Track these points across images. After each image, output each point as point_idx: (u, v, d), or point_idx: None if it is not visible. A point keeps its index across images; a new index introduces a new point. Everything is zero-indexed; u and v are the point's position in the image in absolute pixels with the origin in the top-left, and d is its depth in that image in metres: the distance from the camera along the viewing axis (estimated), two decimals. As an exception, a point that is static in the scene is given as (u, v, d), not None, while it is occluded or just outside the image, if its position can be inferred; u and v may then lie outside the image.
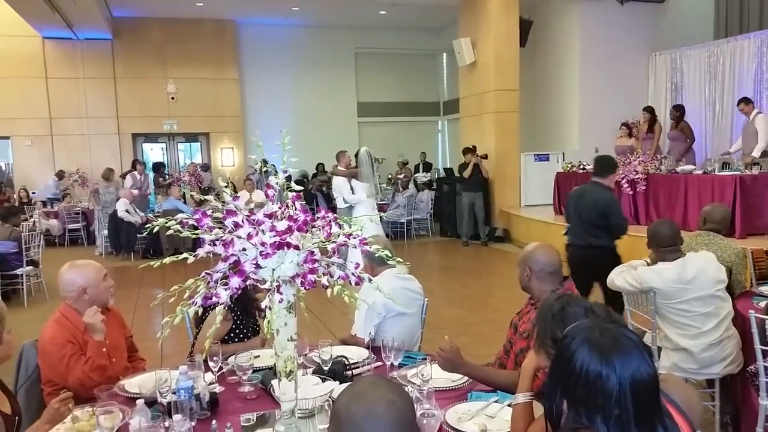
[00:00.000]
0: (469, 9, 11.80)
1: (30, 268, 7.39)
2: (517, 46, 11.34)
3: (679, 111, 9.48)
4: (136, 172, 11.70)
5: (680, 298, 3.23)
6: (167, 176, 12.41)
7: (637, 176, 8.13)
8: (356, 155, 8.34)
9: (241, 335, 3.01)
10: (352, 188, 7.80)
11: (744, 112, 8.42)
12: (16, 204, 11.00)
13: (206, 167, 13.91)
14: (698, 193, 7.33)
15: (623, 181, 8.26)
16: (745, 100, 8.46)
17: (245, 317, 3.03)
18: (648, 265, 3.51)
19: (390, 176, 13.83)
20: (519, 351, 2.50)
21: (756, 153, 7.87)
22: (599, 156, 5.39)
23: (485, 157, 10.88)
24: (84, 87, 13.36)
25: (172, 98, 13.84)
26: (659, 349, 3.39)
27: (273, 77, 14.44)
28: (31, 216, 10.10)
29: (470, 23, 11.76)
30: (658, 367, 1.41)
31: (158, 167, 13.12)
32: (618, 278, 3.55)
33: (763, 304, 3.22)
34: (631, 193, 8.24)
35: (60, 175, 12.98)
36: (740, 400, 3.33)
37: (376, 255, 2.14)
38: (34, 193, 12.52)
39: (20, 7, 10.85)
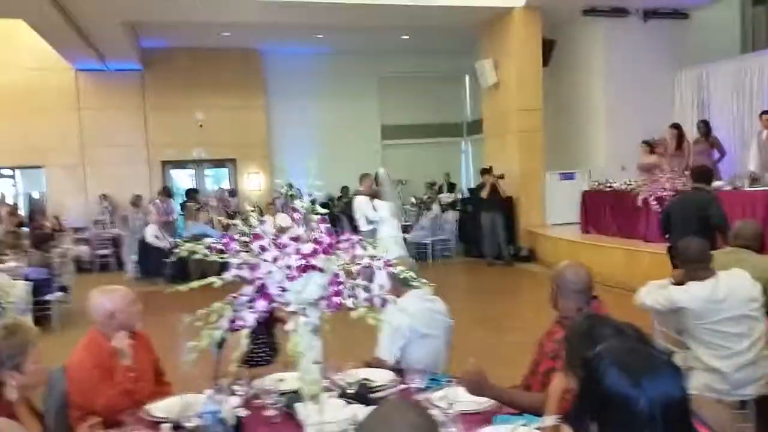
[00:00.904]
0: (490, 31, 11.85)
1: (60, 293, 7.52)
2: (539, 65, 11.34)
3: (706, 125, 9.36)
4: (157, 200, 11.85)
5: (712, 318, 3.15)
6: (197, 201, 12.52)
7: (665, 193, 8.00)
8: (375, 177, 8.34)
9: (262, 353, 3.01)
10: (374, 207, 7.79)
11: (766, 125, 8.29)
12: (49, 231, 11.24)
13: (233, 192, 14.06)
14: (728, 209, 7.17)
15: (651, 199, 8.15)
16: None
17: (265, 336, 3.04)
18: (673, 284, 3.44)
19: (414, 199, 13.83)
20: (545, 371, 2.46)
21: None
22: (697, 167, 6.38)
23: (502, 177, 10.84)
24: (115, 117, 13.70)
25: (201, 126, 14.09)
26: (690, 369, 3.30)
27: (298, 103, 14.62)
28: (62, 243, 10.31)
29: (492, 45, 11.81)
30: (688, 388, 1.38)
31: (190, 193, 13.31)
32: (647, 298, 3.48)
33: (798, 322, 3.13)
34: (659, 210, 8.10)
35: (104, 197, 13.24)
36: (777, 421, 3.23)
37: (401, 276, 2.14)
38: (65, 220, 12.79)
39: (55, 41, 11.22)
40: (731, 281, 3.20)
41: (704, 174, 5.90)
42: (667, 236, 5.81)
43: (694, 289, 3.21)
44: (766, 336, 3.19)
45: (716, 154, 9.29)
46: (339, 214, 12.52)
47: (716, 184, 7.75)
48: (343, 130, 14.88)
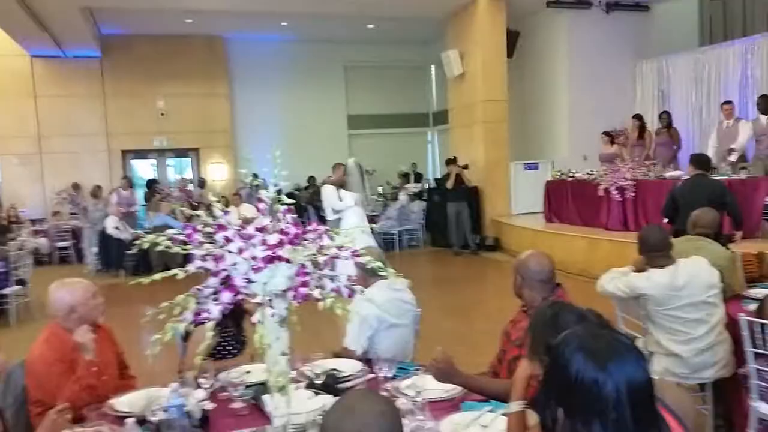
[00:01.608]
0: (456, 21, 11.88)
1: (18, 287, 7.31)
2: (504, 56, 11.42)
3: (668, 117, 9.58)
4: (120, 189, 11.64)
5: (672, 304, 3.22)
6: (159, 192, 12.29)
7: (626, 183, 8.18)
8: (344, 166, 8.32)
9: (229, 347, 2.99)
10: (340, 197, 7.79)
11: (727, 115, 8.52)
12: (5, 223, 10.91)
13: (202, 183, 13.82)
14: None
15: (612, 188, 8.32)
16: (731, 103, 8.63)
17: (233, 328, 3.02)
18: (634, 271, 3.52)
19: (381, 189, 13.80)
20: (512, 359, 2.50)
21: (733, 158, 8.01)
22: (698, 155, 6.27)
23: (466, 167, 10.93)
24: (73, 105, 13.32)
25: (162, 114, 13.82)
26: (651, 354, 3.39)
27: (263, 92, 14.46)
28: (20, 235, 10.01)
29: (458, 35, 11.85)
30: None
31: (151, 183, 13.06)
32: (609, 285, 3.54)
33: (752, 307, 3.23)
34: (620, 199, 8.28)
35: (76, 186, 12.87)
36: (733, 403, 3.34)
37: (368, 266, 2.13)
38: (22, 211, 12.42)
39: (8, 25, 10.83)
40: (690, 268, 3.27)
41: (706, 161, 6.08)
42: (666, 221, 5.85)
43: (654, 276, 3.28)
44: (723, 321, 3.29)
45: (675, 145, 9.52)
46: (306, 204, 12.46)
47: (676, 173, 7.97)
48: (309, 119, 14.78)
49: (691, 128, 11.08)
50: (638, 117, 9.83)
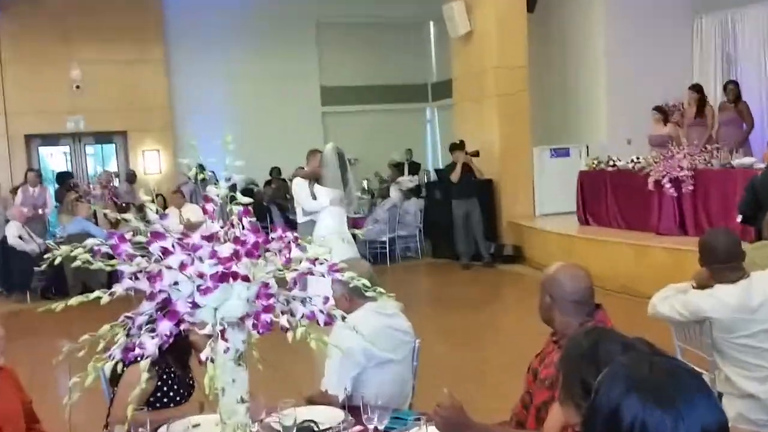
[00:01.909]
0: (461, -36, 11.93)
1: None
2: (524, 10, 11.47)
3: (735, 88, 9.63)
4: (27, 185, 11.58)
5: (744, 330, 3.25)
6: (75, 190, 12.23)
7: (682, 173, 8.22)
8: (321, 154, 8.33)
9: (171, 393, 2.98)
10: (313, 194, 7.78)
11: None
12: None
13: (132, 177, 13.76)
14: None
15: (664, 180, 8.36)
16: None
17: (177, 369, 3.01)
18: (694, 287, 3.53)
19: (366, 183, 13.83)
20: (541, 404, 2.50)
21: None
22: None
23: (476, 154, 10.96)
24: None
25: (77, 87, 13.73)
26: (720, 394, 3.40)
27: (210, 57, 14.42)
28: None
29: (463, -18, 11.89)
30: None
31: (63, 178, 12.97)
32: (662, 305, 3.56)
33: None
34: (675, 195, 8.32)
35: None
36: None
37: (351, 285, 2.13)
38: None
39: None
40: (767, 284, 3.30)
41: None
42: (740, 219, 5.90)
43: (721, 294, 3.30)
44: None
45: (745, 124, 9.59)
46: (268, 204, 12.45)
47: (746, 160, 8.02)
48: (271, 93, 14.76)
49: (766, 102, 11.17)
50: (697, 88, 9.90)
